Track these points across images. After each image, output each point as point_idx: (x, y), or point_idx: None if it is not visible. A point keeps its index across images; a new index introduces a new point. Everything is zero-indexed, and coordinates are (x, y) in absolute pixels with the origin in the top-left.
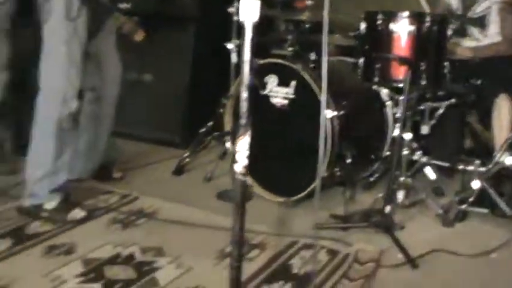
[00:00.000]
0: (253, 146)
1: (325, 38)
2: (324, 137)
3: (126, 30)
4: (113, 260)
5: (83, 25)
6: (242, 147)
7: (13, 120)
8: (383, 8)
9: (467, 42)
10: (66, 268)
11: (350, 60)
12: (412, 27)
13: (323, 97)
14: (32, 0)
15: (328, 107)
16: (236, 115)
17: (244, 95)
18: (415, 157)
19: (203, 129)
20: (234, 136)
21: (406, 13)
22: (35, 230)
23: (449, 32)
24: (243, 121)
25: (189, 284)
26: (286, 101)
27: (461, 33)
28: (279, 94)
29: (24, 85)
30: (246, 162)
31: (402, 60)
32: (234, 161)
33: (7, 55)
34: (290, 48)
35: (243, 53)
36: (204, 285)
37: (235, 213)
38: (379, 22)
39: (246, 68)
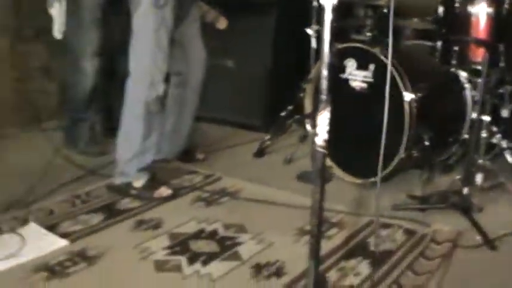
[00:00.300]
0: (332, 128)
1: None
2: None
3: (209, 18)
4: (197, 235)
5: (170, 13)
6: (322, 122)
7: (103, 105)
8: None
9: None
10: (154, 241)
11: (428, 43)
12: (490, 10)
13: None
14: None
15: (406, 90)
16: (316, 99)
17: (325, 73)
18: (495, 140)
19: (284, 113)
20: (313, 119)
21: None
22: (125, 206)
23: None
24: (323, 97)
25: (270, 258)
26: (365, 85)
27: None
28: (357, 77)
29: (114, 71)
30: (325, 136)
31: (480, 43)
32: (314, 136)
33: (98, 43)
34: (369, 34)
35: (323, 35)
36: (284, 260)
37: (315, 189)
38: (456, 5)
39: (326, 48)
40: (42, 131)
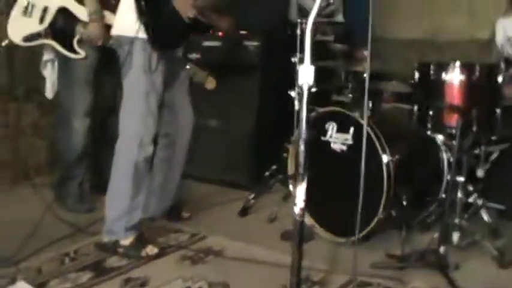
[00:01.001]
0: (315, 188)
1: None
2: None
3: (198, 79)
4: None
5: (160, 77)
6: (300, 193)
7: (92, 162)
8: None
9: None
10: None
11: (406, 106)
12: (462, 77)
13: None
14: (112, 51)
15: (384, 153)
16: (297, 161)
17: (302, 147)
18: (471, 200)
19: (268, 172)
20: (295, 180)
21: (458, 63)
22: (113, 264)
23: (500, 80)
24: (301, 170)
25: None
26: (345, 147)
27: None
28: (338, 140)
29: (104, 130)
30: (303, 205)
31: (453, 108)
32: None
33: (90, 103)
34: (350, 95)
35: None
36: None
37: (294, 251)
38: (431, 72)
39: (303, 125)
40: (32, 188)
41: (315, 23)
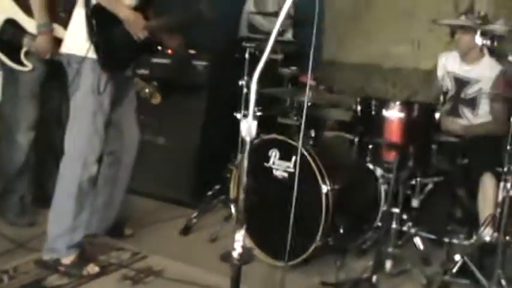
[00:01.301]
0: (256, 212)
1: None
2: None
3: (144, 93)
4: None
5: (108, 98)
6: (238, 238)
7: (35, 175)
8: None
9: (459, 122)
10: None
11: (347, 136)
12: (402, 115)
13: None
14: (60, 64)
15: (323, 182)
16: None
17: (242, 196)
18: (405, 228)
19: (210, 192)
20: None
21: (397, 101)
22: (53, 283)
23: (438, 116)
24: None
25: None
26: (286, 174)
27: (454, 113)
28: (280, 167)
29: (49, 143)
30: (241, 251)
31: (392, 145)
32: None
33: (34, 116)
34: (295, 118)
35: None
36: None
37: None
38: (372, 107)
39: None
40: None
41: (259, 78)
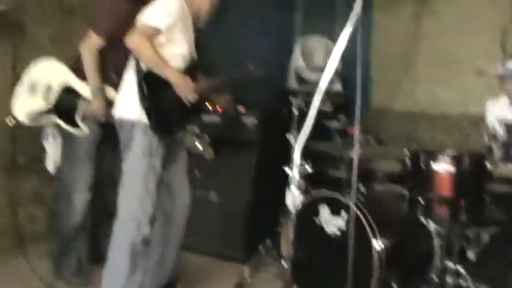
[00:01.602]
0: (308, 269)
1: None
2: None
3: (196, 150)
4: None
5: (159, 160)
6: None
7: (91, 235)
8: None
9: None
10: None
11: (398, 189)
12: (452, 168)
13: None
14: (113, 127)
15: (375, 239)
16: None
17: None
18: (461, 281)
19: (261, 246)
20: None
21: (446, 154)
22: None
23: (489, 166)
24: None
25: None
26: (338, 232)
27: (507, 159)
28: (331, 224)
29: (104, 203)
30: None
31: (442, 200)
32: None
33: (90, 177)
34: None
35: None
36: None
37: None
38: (421, 160)
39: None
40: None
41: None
